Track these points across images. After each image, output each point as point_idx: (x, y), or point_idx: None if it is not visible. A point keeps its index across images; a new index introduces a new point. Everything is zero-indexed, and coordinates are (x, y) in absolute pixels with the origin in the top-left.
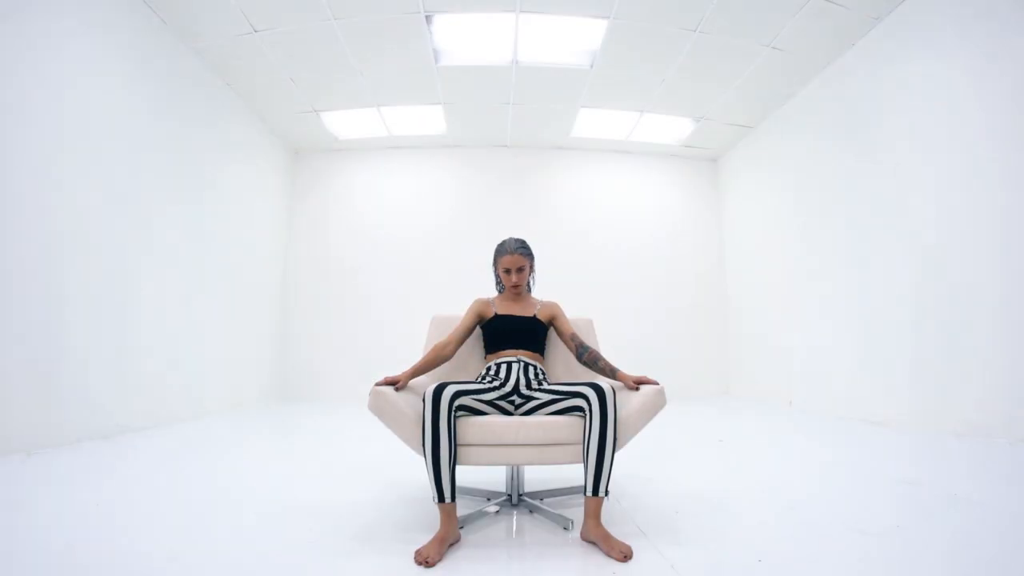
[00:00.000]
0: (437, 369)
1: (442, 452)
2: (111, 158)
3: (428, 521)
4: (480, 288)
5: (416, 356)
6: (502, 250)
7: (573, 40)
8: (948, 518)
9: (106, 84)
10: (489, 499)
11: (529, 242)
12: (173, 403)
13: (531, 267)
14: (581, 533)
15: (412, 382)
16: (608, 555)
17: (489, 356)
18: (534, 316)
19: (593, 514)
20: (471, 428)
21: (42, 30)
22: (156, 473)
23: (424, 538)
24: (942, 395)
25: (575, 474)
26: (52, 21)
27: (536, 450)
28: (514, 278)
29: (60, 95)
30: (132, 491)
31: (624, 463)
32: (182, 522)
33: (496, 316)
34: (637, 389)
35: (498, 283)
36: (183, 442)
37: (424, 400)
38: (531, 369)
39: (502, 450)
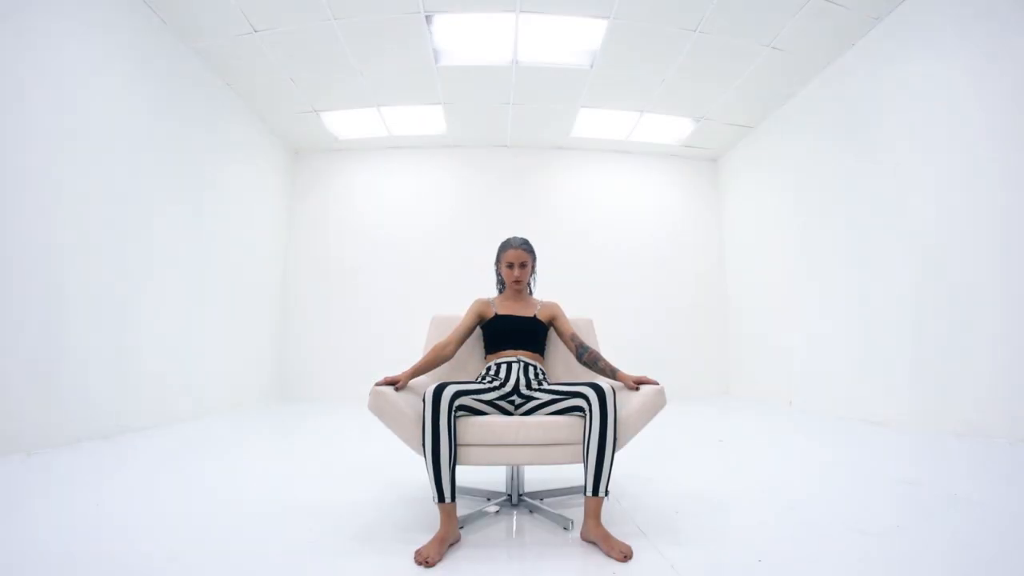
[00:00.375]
0: (437, 369)
1: (442, 452)
2: (111, 158)
3: (428, 521)
4: (480, 288)
5: (416, 356)
6: (506, 245)
7: (573, 40)
8: (948, 518)
9: (106, 84)
10: (489, 499)
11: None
12: (173, 403)
13: (533, 266)
14: (581, 533)
15: (412, 382)
16: (608, 555)
17: (489, 356)
18: (534, 316)
19: (593, 514)
20: (471, 428)
21: (42, 30)
22: (156, 473)
23: (424, 538)
24: (942, 395)
25: (575, 474)
26: (52, 21)
27: (536, 450)
28: (516, 273)
29: (60, 95)
30: (132, 491)
31: (624, 463)
32: (182, 522)
33: (496, 316)
34: (637, 389)
35: (499, 283)
36: (183, 442)
37: (424, 400)
38: (531, 369)
39: (502, 450)
